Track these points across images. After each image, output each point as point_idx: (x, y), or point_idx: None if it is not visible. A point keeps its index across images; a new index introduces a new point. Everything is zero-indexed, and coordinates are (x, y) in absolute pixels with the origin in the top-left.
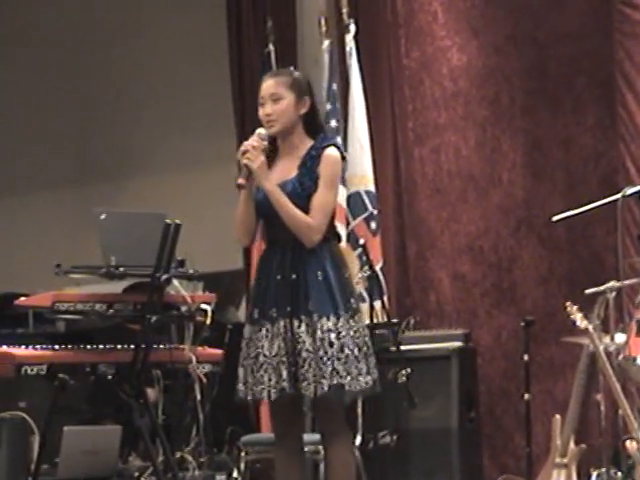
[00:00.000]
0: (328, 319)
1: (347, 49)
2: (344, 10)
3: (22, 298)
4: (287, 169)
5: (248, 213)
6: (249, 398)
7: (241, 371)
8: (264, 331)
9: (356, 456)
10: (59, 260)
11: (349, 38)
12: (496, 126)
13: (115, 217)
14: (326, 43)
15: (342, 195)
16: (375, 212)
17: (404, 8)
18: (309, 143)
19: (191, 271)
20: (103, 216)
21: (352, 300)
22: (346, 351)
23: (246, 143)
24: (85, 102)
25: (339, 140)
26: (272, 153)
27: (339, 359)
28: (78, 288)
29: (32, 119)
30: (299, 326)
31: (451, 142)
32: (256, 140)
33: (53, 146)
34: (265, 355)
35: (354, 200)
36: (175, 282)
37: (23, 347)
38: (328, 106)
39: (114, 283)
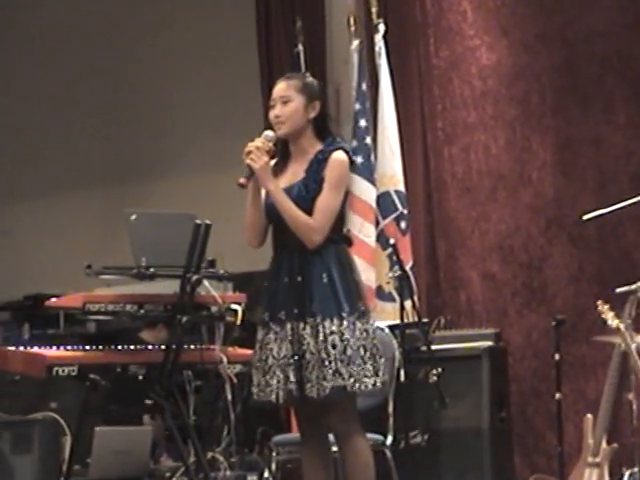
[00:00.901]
0: (332, 321)
1: (376, 49)
2: (373, 10)
3: (53, 299)
4: (296, 172)
5: (256, 215)
6: (261, 400)
7: (254, 374)
8: (272, 334)
9: (387, 456)
10: (90, 261)
11: (378, 38)
12: (526, 125)
13: (145, 218)
14: (355, 43)
15: (372, 195)
16: (405, 212)
17: (433, 7)
18: (319, 147)
19: (221, 271)
20: (133, 217)
21: (360, 302)
22: (349, 352)
23: (250, 144)
24: (115, 103)
25: (348, 144)
26: (284, 157)
27: (342, 361)
28: (109, 289)
29: (62, 120)
30: (304, 328)
31: (481, 141)
32: (261, 141)
33: (83, 147)
34: (274, 357)
35: (384, 200)
36: (205, 282)
37: (54, 348)
38: (357, 106)
39: (145, 284)
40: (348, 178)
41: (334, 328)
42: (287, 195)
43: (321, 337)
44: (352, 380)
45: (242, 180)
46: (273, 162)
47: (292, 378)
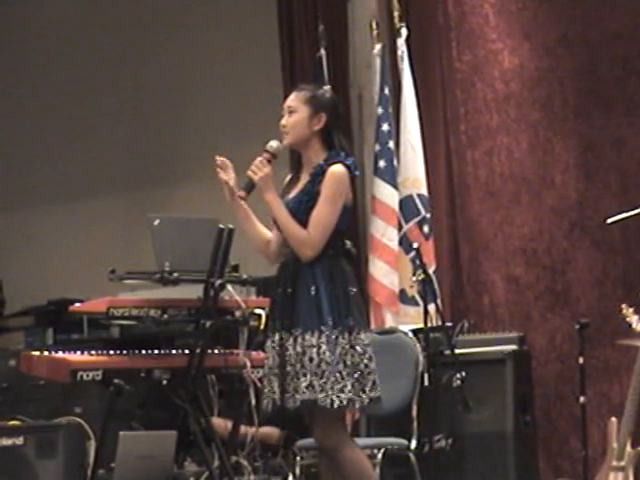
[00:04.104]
0: (312, 334)
1: (399, 53)
2: (395, 14)
3: (77, 304)
4: (301, 184)
5: (256, 239)
6: (264, 409)
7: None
8: (270, 342)
9: (412, 460)
10: (113, 266)
11: (401, 42)
12: (548, 128)
13: (169, 222)
14: (378, 47)
15: (394, 199)
16: (428, 216)
17: (455, 11)
18: (322, 160)
19: (245, 276)
20: (157, 222)
21: (349, 317)
22: (324, 367)
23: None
24: (137, 108)
25: (351, 158)
26: (299, 169)
27: (316, 374)
28: (132, 294)
29: (85, 126)
30: (288, 339)
31: (503, 145)
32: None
33: (106, 152)
34: (270, 367)
35: (406, 204)
36: (229, 287)
37: (78, 353)
38: (380, 110)
39: (168, 288)
40: (346, 192)
41: (313, 341)
42: (287, 207)
43: (299, 349)
44: (323, 394)
45: (242, 193)
46: (289, 176)
47: (275, 388)
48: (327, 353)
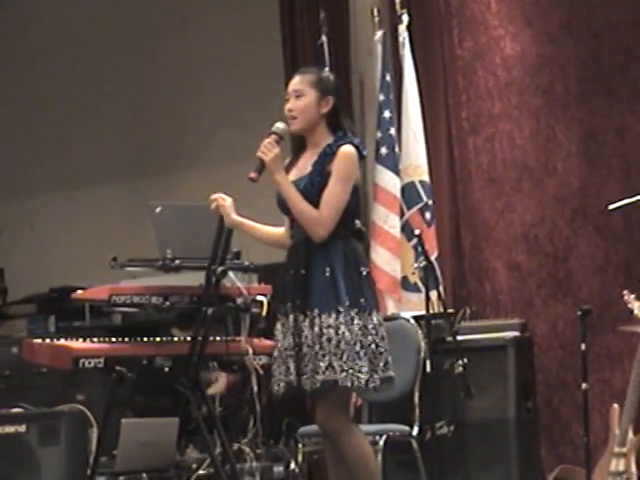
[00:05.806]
0: (329, 315)
1: (400, 40)
2: (397, 0)
3: (79, 291)
4: (305, 166)
5: (264, 239)
6: (273, 392)
7: (273, 365)
8: (280, 325)
9: (414, 446)
10: (115, 253)
11: (402, 28)
12: (550, 115)
13: (170, 210)
14: (379, 34)
15: (396, 186)
16: (430, 202)
17: None
18: (330, 141)
19: (247, 263)
20: (158, 209)
21: (362, 298)
22: (343, 347)
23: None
24: (139, 97)
25: (358, 139)
26: (299, 150)
27: (335, 355)
28: (134, 281)
29: (86, 114)
30: (303, 320)
31: (505, 132)
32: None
33: (107, 140)
34: (279, 349)
35: (408, 190)
36: (231, 274)
37: (80, 340)
38: (381, 97)
39: (170, 276)
40: (356, 172)
41: (331, 322)
42: (295, 188)
43: (317, 330)
44: (344, 375)
45: (253, 174)
46: (288, 159)
47: (292, 370)
48: (346, 333)
